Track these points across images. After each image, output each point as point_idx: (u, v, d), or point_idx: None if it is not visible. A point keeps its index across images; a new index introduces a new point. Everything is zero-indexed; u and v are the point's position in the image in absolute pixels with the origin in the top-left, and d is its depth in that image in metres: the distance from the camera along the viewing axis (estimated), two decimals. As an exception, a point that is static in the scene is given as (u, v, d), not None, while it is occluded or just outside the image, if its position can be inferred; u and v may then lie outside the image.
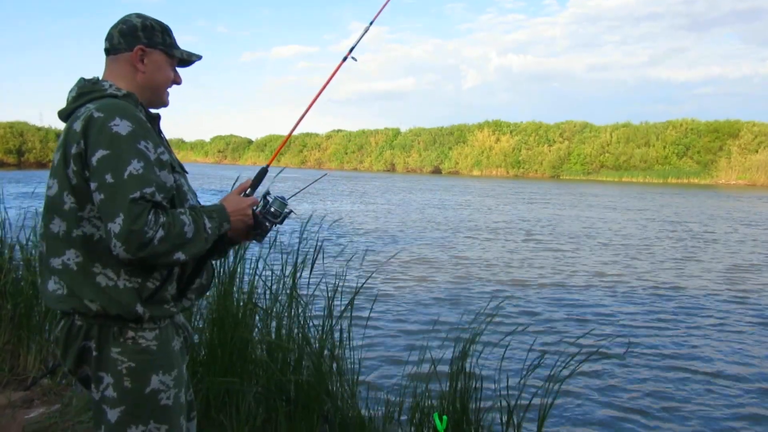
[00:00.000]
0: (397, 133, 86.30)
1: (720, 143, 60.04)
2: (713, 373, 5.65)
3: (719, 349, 6.37)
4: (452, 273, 10.24)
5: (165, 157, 1.74)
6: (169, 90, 1.94)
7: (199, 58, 1.99)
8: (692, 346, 6.43)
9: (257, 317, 3.52)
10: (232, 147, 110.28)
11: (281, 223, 2.00)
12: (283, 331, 3.40)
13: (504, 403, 3.04)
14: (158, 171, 1.68)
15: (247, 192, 1.99)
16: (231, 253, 3.53)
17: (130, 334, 1.71)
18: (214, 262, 2.12)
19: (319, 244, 3.60)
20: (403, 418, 3.22)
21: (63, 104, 1.81)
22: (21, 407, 3.66)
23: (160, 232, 1.60)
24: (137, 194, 1.58)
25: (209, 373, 3.18)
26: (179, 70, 1.96)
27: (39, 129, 61.27)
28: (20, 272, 4.43)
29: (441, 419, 2.88)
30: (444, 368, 3.23)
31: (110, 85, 1.78)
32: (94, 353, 1.71)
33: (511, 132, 73.74)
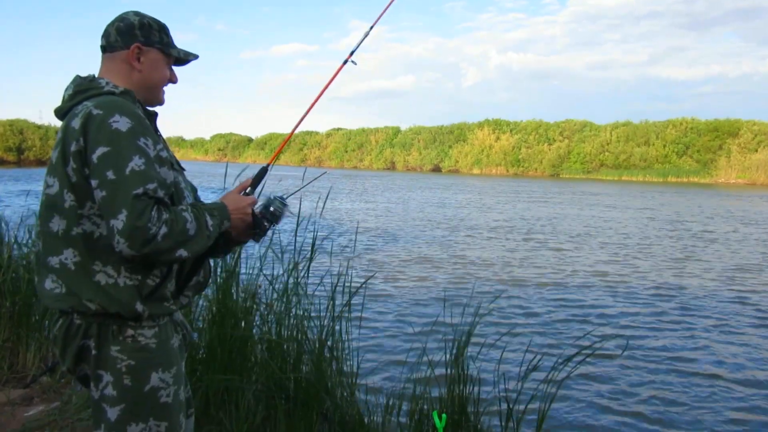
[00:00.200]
0: (397, 131, 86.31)
1: (720, 142, 60.05)
2: (713, 373, 5.64)
3: (719, 349, 6.37)
4: (452, 272, 10.24)
5: (164, 153, 1.74)
6: (165, 88, 1.94)
7: (196, 57, 1.98)
8: (692, 347, 6.42)
9: (257, 315, 3.52)
10: (232, 145, 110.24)
11: (278, 223, 2.00)
12: (283, 330, 3.40)
13: (503, 402, 3.04)
14: (158, 167, 1.68)
15: (247, 191, 1.99)
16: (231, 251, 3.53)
17: (130, 332, 1.71)
18: (212, 260, 2.12)
19: (319, 242, 3.60)
20: (403, 416, 3.22)
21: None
22: (20, 405, 3.66)
23: (164, 229, 1.60)
24: (140, 190, 1.58)
25: (208, 370, 3.18)
26: (176, 69, 1.96)
27: (39, 127, 61.27)
28: (19, 270, 4.43)
29: (440, 417, 2.88)
30: (443, 367, 3.23)
31: (107, 83, 1.78)
32: (93, 352, 1.70)
33: (511, 130, 73.75)
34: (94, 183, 1.62)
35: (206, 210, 1.77)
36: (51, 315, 1.81)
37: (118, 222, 1.57)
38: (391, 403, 3.24)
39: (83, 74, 1.83)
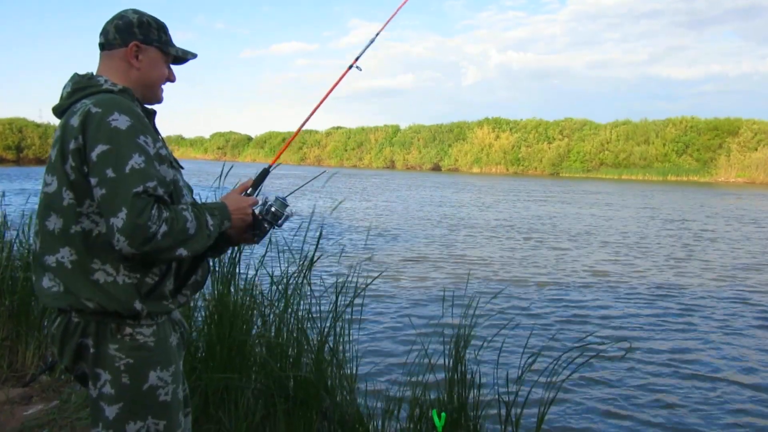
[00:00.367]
0: (396, 130, 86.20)
1: (719, 141, 59.98)
2: (714, 373, 5.63)
3: (721, 350, 6.35)
4: (452, 271, 10.24)
5: (164, 151, 1.74)
6: (163, 87, 1.93)
7: (194, 56, 1.98)
8: (693, 347, 6.41)
9: (256, 314, 3.52)
10: (232, 144, 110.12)
11: (280, 226, 1.99)
12: (283, 329, 3.40)
13: (503, 402, 3.04)
14: (158, 165, 1.68)
15: (248, 191, 1.99)
16: (231, 250, 3.53)
17: (128, 330, 1.71)
18: (211, 259, 2.12)
19: (319, 241, 3.60)
20: (402, 414, 3.22)
21: (61, 101, 1.80)
22: (19, 404, 3.66)
23: (164, 227, 1.60)
24: (140, 188, 1.58)
25: (208, 369, 3.18)
26: (174, 68, 1.96)
27: (38, 125, 61.18)
28: (18, 269, 4.43)
29: (440, 416, 2.88)
30: (443, 366, 3.23)
31: (105, 81, 1.78)
32: (92, 350, 1.70)
33: (510, 129, 73.65)
34: (93, 181, 1.62)
35: (207, 209, 1.77)
36: (49, 313, 1.80)
37: (118, 220, 1.56)
38: (390, 402, 3.24)
39: (82, 72, 1.82)
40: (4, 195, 5.34)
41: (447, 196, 29.89)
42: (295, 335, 3.36)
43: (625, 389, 5.16)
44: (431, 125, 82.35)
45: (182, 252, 1.66)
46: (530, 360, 3.14)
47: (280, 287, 3.51)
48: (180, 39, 1.95)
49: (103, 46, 1.84)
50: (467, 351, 3.16)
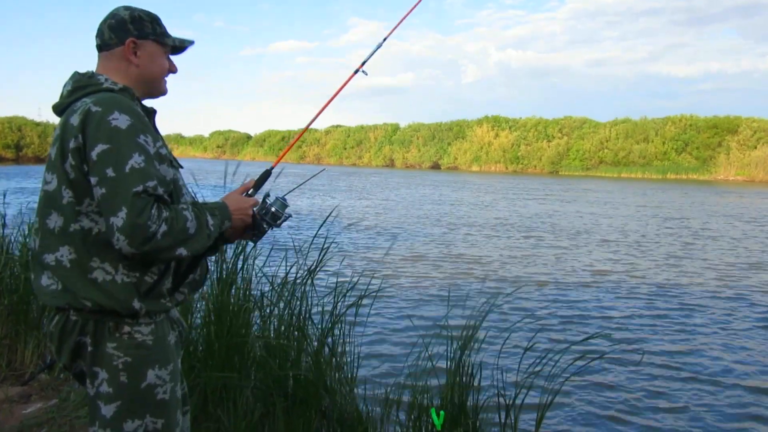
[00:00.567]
0: (396, 128, 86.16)
1: (719, 139, 59.97)
2: (714, 374, 5.60)
3: (721, 350, 6.32)
4: (451, 270, 10.24)
5: (164, 151, 1.74)
6: (166, 79, 1.93)
7: (191, 43, 1.97)
8: (693, 347, 6.39)
9: (256, 313, 3.52)
10: (231, 142, 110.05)
11: (278, 226, 1.99)
12: (282, 328, 3.40)
13: (502, 400, 3.04)
14: (158, 165, 1.68)
15: (249, 192, 1.99)
16: (231, 249, 3.53)
17: (126, 329, 1.71)
18: (213, 256, 2.12)
19: (318, 240, 3.60)
20: (401, 413, 3.22)
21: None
22: (18, 402, 3.66)
23: (163, 227, 1.60)
24: (140, 188, 1.58)
25: (207, 368, 3.18)
26: (174, 58, 1.95)
27: (37, 124, 61.09)
28: (17, 267, 4.43)
29: (438, 414, 2.88)
30: (442, 365, 3.23)
31: (106, 79, 1.77)
32: (90, 348, 1.70)
33: (510, 127, 73.62)
34: (93, 180, 1.61)
35: (207, 209, 1.77)
36: (48, 312, 1.80)
37: (118, 219, 1.56)
38: (389, 400, 3.24)
39: (82, 71, 1.82)
40: (4, 195, 5.33)
41: (446, 195, 29.89)
42: (294, 334, 3.36)
43: (625, 389, 5.15)
44: (431, 123, 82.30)
45: (182, 251, 1.66)
46: (529, 360, 3.14)
47: (279, 287, 3.52)
48: (179, 36, 1.94)
49: (100, 48, 1.84)
50: (467, 350, 3.16)
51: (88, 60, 1.90)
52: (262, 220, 1.95)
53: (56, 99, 1.80)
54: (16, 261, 4.49)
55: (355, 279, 3.56)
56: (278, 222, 1.98)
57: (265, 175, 2.09)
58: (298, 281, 3.48)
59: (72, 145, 1.64)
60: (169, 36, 1.90)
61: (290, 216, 2.01)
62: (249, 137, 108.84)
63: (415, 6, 2.74)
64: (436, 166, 76.43)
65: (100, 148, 1.60)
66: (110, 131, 1.61)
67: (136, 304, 1.69)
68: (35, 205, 1.82)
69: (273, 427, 3.05)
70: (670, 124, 63.66)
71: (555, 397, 3.07)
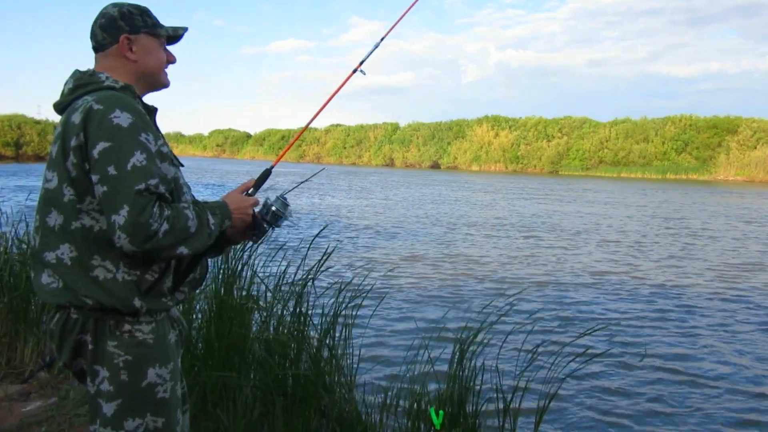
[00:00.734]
0: (396, 127, 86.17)
1: (719, 139, 59.99)
2: (714, 375, 5.59)
3: (722, 350, 6.31)
4: (451, 270, 10.24)
5: (165, 149, 1.74)
6: (166, 70, 1.92)
7: (185, 29, 1.96)
8: (693, 348, 6.38)
9: (256, 312, 3.52)
10: (231, 141, 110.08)
11: (279, 226, 1.99)
12: (282, 327, 3.40)
13: (501, 400, 3.04)
14: (159, 163, 1.68)
15: (249, 191, 1.99)
16: (232, 248, 3.53)
17: (127, 327, 1.71)
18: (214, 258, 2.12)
19: (318, 240, 3.60)
20: (400, 412, 3.22)
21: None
22: (18, 400, 3.66)
23: (165, 225, 1.60)
24: (142, 186, 1.58)
25: (206, 367, 3.18)
26: (173, 65, 1.94)
27: (37, 122, 61.10)
28: (17, 265, 4.43)
29: (437, 414, 2.88)
30: (441, 364, 3.23)
31: (107, 77, 1.77)
32: (90, 347, 1.70)
33: (510, 127, 73.64)
34: (94, 178, 1.61)
35: (208, 208, 1.77)
36: (48, 310, 1.80)
37: (120, 217, 1.56)
38: (388, 399, 3.25)
39: (83, 69, 1.82)
40: (2, 192, 5.33)
41: (446, 194, 29.88)
42: (294, 334, 3.36)
43: (624, 391, 5.14)
44: (430, 123, 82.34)
45: (183, 250, 1.66)
46: (529, 360, 3.14)
47: (279, 286, 3.52)
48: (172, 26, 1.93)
49: (96, 49, 1.84)
50: (466, 350, 3.16)
51: (88, 59, 1.89)
52: (263, 219, 1.95)
53: (56, 97, 1.79)
54: (16, 259, 4.49)
55: (355, 279, 3.56)
56: (279, 222, 1.97)
57: (266, 175, 2.09)
58: (298, 281, 3.48)
59: (73, 143, 1.64)
60: (161, 26, 1.89)
61: (291, 215, 2.00)
62: (249, 136, 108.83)
63: (412, 6, 2.74)
64: (435, 166, 76.42)
65: (101, 146, 1.60)
66: (112, 129, 1.61)
67: (137, 303, 1.69)
68: (35, 203, 1.81)
69: (272, 427, 3.05)
70: (670, 124, 63.67)
71: (554, 398, 3.07)
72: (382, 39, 2.53)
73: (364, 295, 3.54)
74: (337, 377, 3.30)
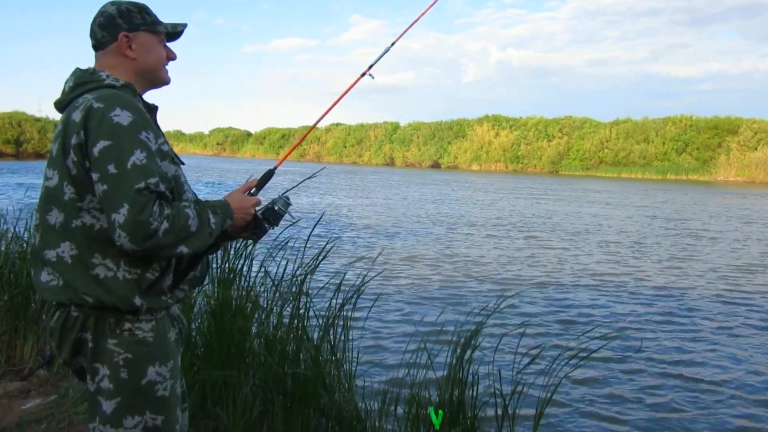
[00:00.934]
0: (396, 127, 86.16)
1: (719, 140, 60.00)
2: (715, 376, 5.56)
3: (723, 352, 6.29)
4: (451, 270, 10.24)
5: (165, 147, 1.74)
6: (167, 67, 1.92)
7: (185, 26, 1.96)
8: (695, 350, 6.36)
9: (257, 310, 3.52)
10: (231, 139, 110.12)
11: (277, 225, 1.99)
12: (282, 326, 3.40)
13: (500, 400, 3.04)
14: (160, 161, 1.68)
15: (251, 191, 1.99)
16: (232, 247, 3.53)
17: (127, 325, 1.71)
18: (212, 255, 2.12)
19: (321, 239, 3.60)
20: (399, 411, 3.22)
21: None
22: (17, 398, 3.66)
23: (165, 224, 1.60)
24: (142, 184, 1.58)
25: (206, 365, 3.18)
26: (173, 61, 1.94)
27: (37, 119, 61.12)
28: (17, 263, 4.43)
29: (437, 413, 2.88)
30: (441, 364, 3.23)
31: (107, 75, 1.77)
32: (90, 345, 1.70)
33: (510, 127, 73.65)
34: (95, 176, 1.61)
35: (209, 207, 1.77)
36: (48, 307, 1.80)
37: (120, 216, 1.56)
38: (388, 399, 3.25)
39: (83, 67, 1.82)
40: (3, 189, 5.33)
41: (446, 194, 29.88)
42: (294, 333, 3.36)
43: (624, 391, 5.13)
44: (431, 122, 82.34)
45: (183, 249, 1.66)
46: (528, 360, 3.14)
47: (279, 285, 3.52)
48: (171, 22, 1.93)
49: (96, 47, 1.84)
50: (465, 350, 3.16)
51: (89, 56, 1.89)
52: (264, 219, 1.95)
53: (56, 95, 1.79)
54: (16, 256, 4.49)
55: (354, 278, 3.56)
56: (280, 221, 1.98)
57: (268, 175, 2.09)
58: (298, 279, 3.48)
59: (74, 141, 1.64)
60: (161, 23, 1.89)
61: (291, 216, 2.00)
62: (249, 135, 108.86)
63: (426, 11, 2.74)
64: (436, 165, 76.42)
65: (101, 144, 1.60)
66: (112, 128, 1.61)
67: (137, 301, 1.69)
68: (35, 201, 1.82)
69: (272, 425, 3.05)
70: (671, 124, 63.67)
71: (553, 398, 3.07)
72: (392, 44, 2.52)
73: (363, 294, 3.54)
74: (336, 376, 3.30)
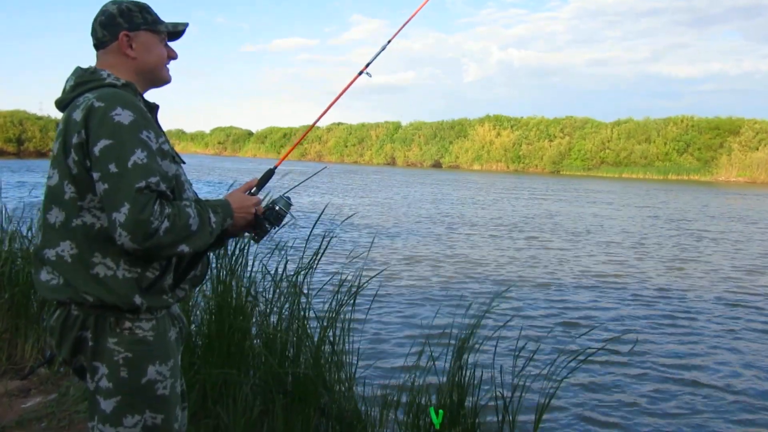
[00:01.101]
0: (397, 126, 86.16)
1: (721, 140, 59.97)
2: (715, 379, 5.55)
3: (723, 354, 6.27)
4: (452, 270, 10.24)
5: (166, 146, 1.74)
6: (168, 66, 1.92)
7: (186, 25, 1.96)
8: (696, 352, 6.33)
9: (257, 310, 3.52)
10: (233, 139, 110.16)
11: (280, 225, 1.99)
12: (282, 325, 3.40)
13: (500, 400, 3.04)
14: (160, 160, 1.68)
15: (252, 191, 1.99)
16: (232, 246, 3.53)
17: (127, 324, 1.71)
18: (214, 253, 2.12)
19: (320, 239, 3.60)
20: (400, 412, 3.22)
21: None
22: (18, 396, 3.67)
23: (166, 223, 1.60)
24: (143, 184, 1.58)
25: (206, 364, 3.19)
26: (174, 60, 1.94)
27: (39, 118, 61.25)
28: (18, 261, 4.43)
29: (437, 413, 2.88)
30: (441, 363, 3.23)
31: (108, 74, 1.77)
32: (90, 343, 1.70)
33: (511, 127, 73.63)
34: (96, 176, 1.61)
35: (210, 206, 1.77)
36: (48, 306, 1.80)
37: (120, 215, 1.56)
38: (388, 398, 3.25)
39: (84, 66, 1.82)
40: (4, 188, 5.33)
41: (448, 194, 29.88)
42: (294, 332, 3.36)
43: (624, 392, 5.12)
44: (432, 122, 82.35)
45: (184, 248, 1.66)
46: (529, 360, 3.14)
47: (279, 284, 3.51)
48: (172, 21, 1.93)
49: (97, 46, 1.84)
50: (466, 350, 3.15)
51: (90, 54, 1.90)
52: (266, 219, 1.95)
53: (58, 94, 1.79)
54: (17, 254, 4.49)
55: (355, 278, 3.56)
56: (281, 221, 1.98)
57: (269, 174, 2.09)
58: (299, 279, 3.48)
59: (75, 140, 1.64)
60: (162, 22, 1.89)
61: (292, 216, 2.00)
62: (250, 134, 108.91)
63: (420, 8, 2.73)
64: (437, 165, 76.40)
65: (102, 143, 1.60)
66: (113, 127, 1.61)
67: (137, 300, 1.69)
68: (36, 199, 1.82)
69: (272, 424, 3.05)
70: (672, 124, 63.63)
71: (553, 398, 3.07)
72: (389, 41, 2.52)
73: (363, 294, 3.54)
74: (336, 376, 3.30)
